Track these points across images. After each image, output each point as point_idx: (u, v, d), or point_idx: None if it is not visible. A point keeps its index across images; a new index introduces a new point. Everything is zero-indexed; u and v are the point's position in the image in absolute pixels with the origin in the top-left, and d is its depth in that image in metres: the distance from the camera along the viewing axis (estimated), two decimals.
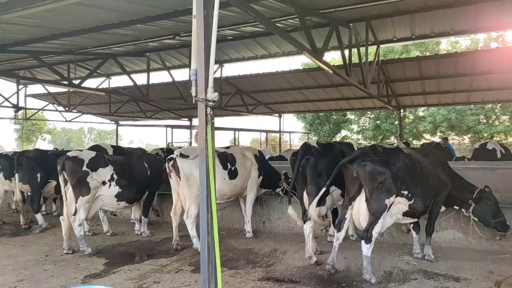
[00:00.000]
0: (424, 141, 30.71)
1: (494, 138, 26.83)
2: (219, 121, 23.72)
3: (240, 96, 15.01)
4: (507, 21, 8.67)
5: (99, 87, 14.73)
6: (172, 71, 12.21)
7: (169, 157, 6.48)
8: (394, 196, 4.99)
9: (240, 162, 6.94)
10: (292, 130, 40.36)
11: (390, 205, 5.01)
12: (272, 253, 6.12)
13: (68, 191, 6.42)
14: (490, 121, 31.46)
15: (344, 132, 42.29)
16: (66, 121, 20.43)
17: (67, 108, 14.78)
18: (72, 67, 10.04)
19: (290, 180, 7.42)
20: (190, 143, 21.15)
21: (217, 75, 12.81)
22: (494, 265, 5.11)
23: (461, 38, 32.58)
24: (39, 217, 8.52)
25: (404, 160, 5.17)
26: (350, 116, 40.80)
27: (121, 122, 23.47)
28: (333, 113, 40.01)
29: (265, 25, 5.39)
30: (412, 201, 5.19)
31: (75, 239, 6.49)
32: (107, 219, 7.75)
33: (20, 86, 16.46)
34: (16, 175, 8.42)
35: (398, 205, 5.18)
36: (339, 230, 5.19)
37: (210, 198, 3.09)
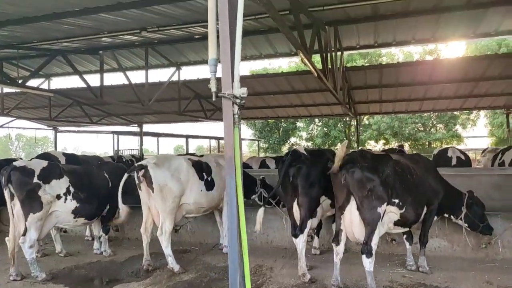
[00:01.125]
0: (368, 147, 31.96)
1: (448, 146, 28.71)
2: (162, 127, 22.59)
3: (198, 101, 14.31)
4: (465, 32, 9.03)
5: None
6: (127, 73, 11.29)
7: (138, 165, 5.72)
8: (385, 204, 4.77)
9: (216, 172, 6.37)
10: (242, 137, 40.18)
11: (383, 214, 4.78)
12: (257, 270, 5.61)
13: (15, 207, 5.41)
14: (427, 129, 33.64)
15: (293, 139, 42.92)
16: None
17: None
18: (14, 64, 8.75)
19: (268, 186, 7.01)
20: (141, 151, 19.93)
21: (175, 78, 12.10)
22: (489, 274, 5.05)
23: (397, 50, 34.68)
24: None
25: (394, 166, 4.98)
26: (299, 124, 41.54)
27: (60, 128, 21.51)
28: (283, 120, 40.57)
29: (275, 18, 4.84)
30: (404, 209, 5.01)
31: (23, 263, 5.50)
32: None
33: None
34: None
35: (389, 214, 4.96)
36: (337, 243, 4.83)
37: (239, 216, 2.53)
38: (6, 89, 12.97)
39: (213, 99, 2.52)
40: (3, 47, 7.58)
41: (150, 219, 5.87)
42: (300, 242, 5.12)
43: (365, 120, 37.12)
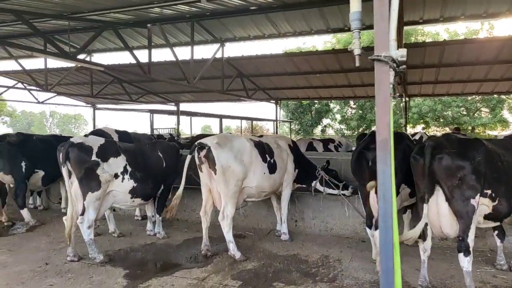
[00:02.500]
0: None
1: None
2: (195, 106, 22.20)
3: (240, 80, 13.81)
4: None
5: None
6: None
7: (199, 144, 5.32)
8: (479, 195, 4.20)
9: (277, 154, 5.93)
10: (272, 118, 39.56)
11: (477, 206, 4.22)
12: (324, 261, 5.18)
13: (72, 186, 5.18)
14: (471, 114, 31.86)
15: (326, 121, 41.94)
16: (39, 102, 18.46)
17: (43, 88, 13.02)
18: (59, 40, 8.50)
19: (329, 171, 6.52)
20: (177, 130, 19.79)
21: (218, 55, 11.60)
22: None
23: (442, 29, 32.83)
24: (25, 213, 7.17)
25: (486, 152, 4.37)
26: (332, 105, 40.47)
27: (98, 106, 21.65)
28: (316, 102, 39.57)
29: None
30: (496, 201, 4.41)
31: (78, 242, 5.33)
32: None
33: None
34: None
35: (481, 206, 4.38)
36: (424, 239, 4.31)
37: (392, 202, 2.04)
38: (50, 65, 12.93)
39: (356, 64, 2.03)
40: (54, 17, 7.29)
41: (210, 201, 5.52)
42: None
43: (402, 103, 35.62)
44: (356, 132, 39.30)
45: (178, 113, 19.46)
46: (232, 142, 5.40)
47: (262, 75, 13.97)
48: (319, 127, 42.66)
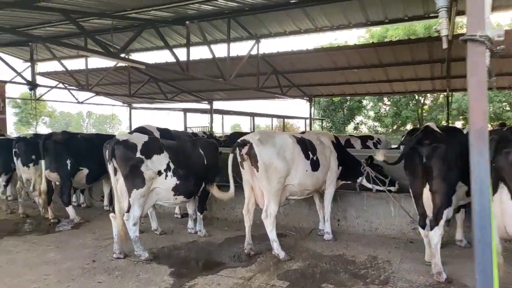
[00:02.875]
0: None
1: None
2: (225, 105, 22.16)
3: (275, 77, 13.68)
4: None
5: (118, 64, 13.45)
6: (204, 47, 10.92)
7: (241, 141, 5.24)
8: None
9: (320, 150, 5.75)
10: (302, 116, 39.09)
11: None
12: (373, 262, 4.97)
13: (118, 183, 5.23)
14: None
15: (358, 119, 41.04)
16: (79, 102, 19.11)
17: (84, 88, 13.45)
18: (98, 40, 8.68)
19: (375, 166, 6.26)
20: (211, 128, 19.92)
21: (253, 52, 11.52)
22: None
23: None
24: (70, 210, 7.37)
25: None
26: (365, 102, 39.56)
27: (134, 105, 22.15)
28: (348, 99, 38.79)
29: None
30: None
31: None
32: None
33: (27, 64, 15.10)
34: (42, 162, 7.22)
35: None
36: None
37: (489, 197, 1.85)
38: (89, 65, 13.32)
39: (444, 46, 1.85)
40: (99, 15, 7.44)
41: (253, 199, 5.43)
42: (436, 235, 4.35)
43: (441, 98, 34.32)
44: (390, 130, 38.26)
45: (211, 111, 19.60)
46: (274, 138, 5.28)
47: (297, 71, 13.79)
48: (352, 125, 41.86)
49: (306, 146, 5.55)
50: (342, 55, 12.17)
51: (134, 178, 5.11)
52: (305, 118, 36.61)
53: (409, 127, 38.61)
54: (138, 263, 5.08)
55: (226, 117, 27.33)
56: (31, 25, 8.69)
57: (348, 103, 39.92)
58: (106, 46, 7.36)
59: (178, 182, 5.48)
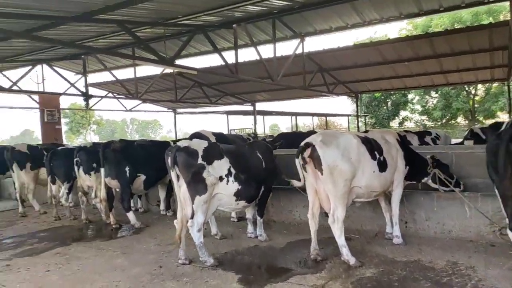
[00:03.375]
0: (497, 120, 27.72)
1: None
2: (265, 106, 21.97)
3: (321, 75, 13.38)
4: None
5: (165, 71, 13.72)
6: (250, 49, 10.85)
7: (305, 143, 5.05)
8: None
9: (386, 150, 5.44)
10: (344, 113, 38.19)
11: None
12: (454, 269, 4.60)
13: (181, 189, 5.22)
14: None
15: (403, 114, 39.58)
16: (127, 110, 19.78)
17: (133, 96, 13.85)
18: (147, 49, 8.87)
19: (442, 165, 5.86)
20: (255, 130, 19.90)
21: (299, 50, 11.30)
22: None
23: None
24: (131, 216, 7.53)
25: None
26: (411, 96, 38.09)
27: (178, 110, 22.61)
28: (392, 93, 37.52)
29: None
30: None
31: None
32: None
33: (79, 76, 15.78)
34: (102, 170, 7.44)
35: None
36: None
37: None
38: (139, 73, 13.70)
39: None
40: (151, 24, 7.57)
41: (317, 203, 5.21)
42: None
43: (494, 88, 32.32)
44: (439, 123, 36.47)
45: (254, 113, 19.56)
46: (338, 139, 5.04)
47: (344, 67, 13.40)
48: (396, 120, 40.46)
49: (371, 146, 5.27)
50: (391, 49, 11.68)
51: (197, 185, 5.07)
52: (348, 115, 35.80)
53: (460, 120, 36.71)
54: (204, 269, 5.03)
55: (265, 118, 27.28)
56: (86, 38, 9.02)
57: (392, 97, 38.62)
58: (158, 53, 7.43)
59: (239, 187, 5.39)
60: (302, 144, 5.08)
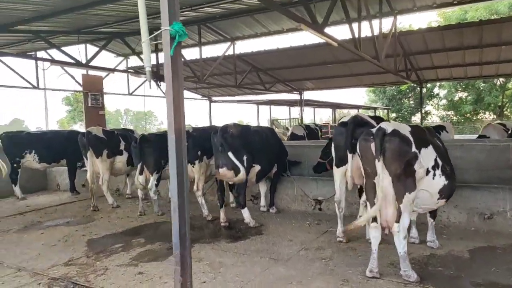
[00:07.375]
0: None
1: None
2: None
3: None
4: None
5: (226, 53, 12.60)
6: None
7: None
8: None
9: None
10: (369, 105, 37.18)
11: None
12: None
13: (383, 183, 4.10)
14: None
15: (428, 108, 38.64)
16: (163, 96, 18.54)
17: (199, 79, 12.68)
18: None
19: None
20: (301, 120, 18.81)
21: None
22: None
23: None
24: (246, 213, 6.50)
25: None
26: (436, 90, 37.20)
27: (213, 98, 21.37)
28: (415, 86, 36.56)
29: None
30: None
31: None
32: None
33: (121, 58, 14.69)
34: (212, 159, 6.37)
35: None
36: None
37: None
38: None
39: None
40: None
41: None
42: None
43: None
44: (463, 118, 35.57)
45: (301, 102, 18.38)
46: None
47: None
48: (417, 115, 39.54)
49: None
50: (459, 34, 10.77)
51: (407, 179, 3.99)
52: (388, 108, 34.67)
53: (487, 115, 35.82)
54: (407, 286, 3.98)
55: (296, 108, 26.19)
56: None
57: (417, 91, 37.68)
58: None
59: (446, 182, 4.31)
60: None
